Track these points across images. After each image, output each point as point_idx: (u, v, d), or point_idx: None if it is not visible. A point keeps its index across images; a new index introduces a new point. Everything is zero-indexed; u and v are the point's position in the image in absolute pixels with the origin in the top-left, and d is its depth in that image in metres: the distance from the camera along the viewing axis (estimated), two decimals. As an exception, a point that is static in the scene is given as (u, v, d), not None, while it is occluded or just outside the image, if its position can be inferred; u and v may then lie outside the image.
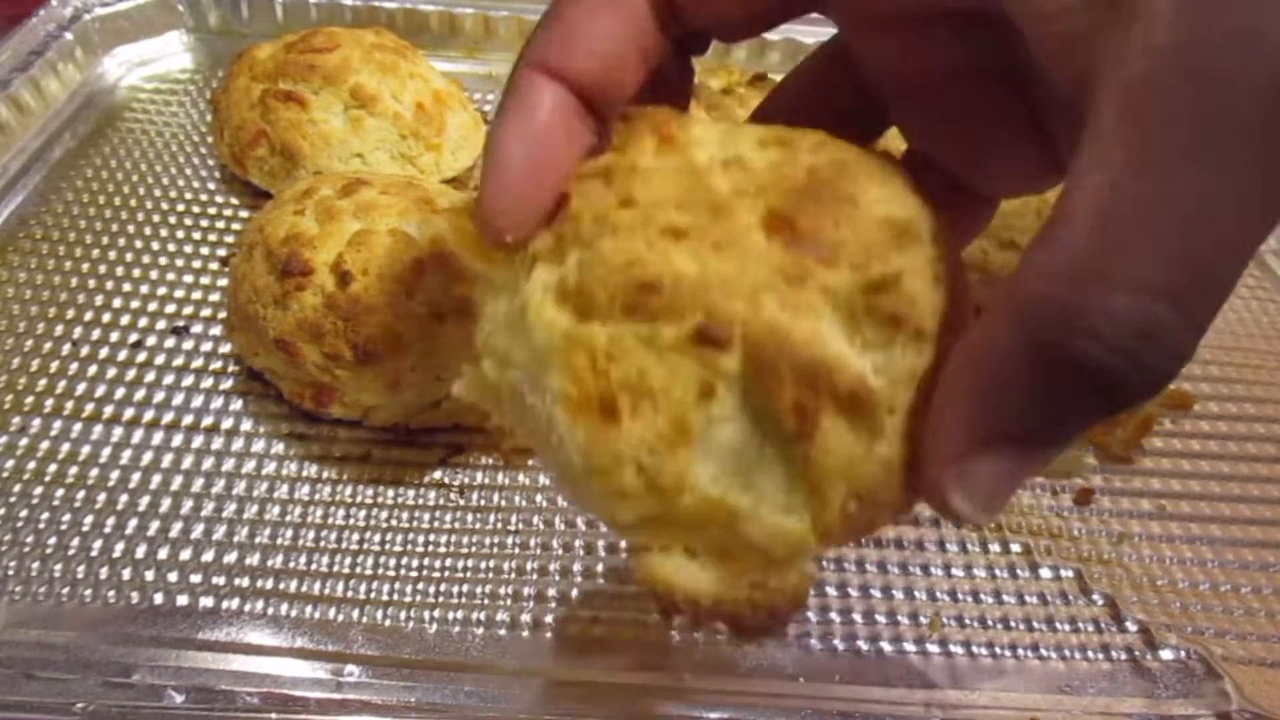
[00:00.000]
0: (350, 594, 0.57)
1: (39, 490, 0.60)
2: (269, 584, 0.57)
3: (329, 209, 0.65)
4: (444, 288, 0.63)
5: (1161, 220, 0.30)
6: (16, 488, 0.60)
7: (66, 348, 0.69)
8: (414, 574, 0.58)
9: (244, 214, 0.83)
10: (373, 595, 0.57)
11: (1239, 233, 0.31)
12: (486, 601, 0.57)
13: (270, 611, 0.56)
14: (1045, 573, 0.62)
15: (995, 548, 0.63)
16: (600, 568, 0.59)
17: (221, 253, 0.78)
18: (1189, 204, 0.30)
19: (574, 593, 0.58)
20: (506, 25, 1.04)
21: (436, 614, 0.56)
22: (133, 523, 0.59)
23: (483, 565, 0.59)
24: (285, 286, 0.62)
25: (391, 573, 0.58)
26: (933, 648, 0.57)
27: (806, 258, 0.40)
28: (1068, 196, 0.32)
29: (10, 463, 0.62)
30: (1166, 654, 0.58)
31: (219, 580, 0.57)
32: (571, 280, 0.42)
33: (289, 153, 0.79)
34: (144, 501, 0.60)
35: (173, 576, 0.57)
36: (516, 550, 0.60)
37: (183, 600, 0.55)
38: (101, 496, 0.60)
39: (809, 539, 0.41)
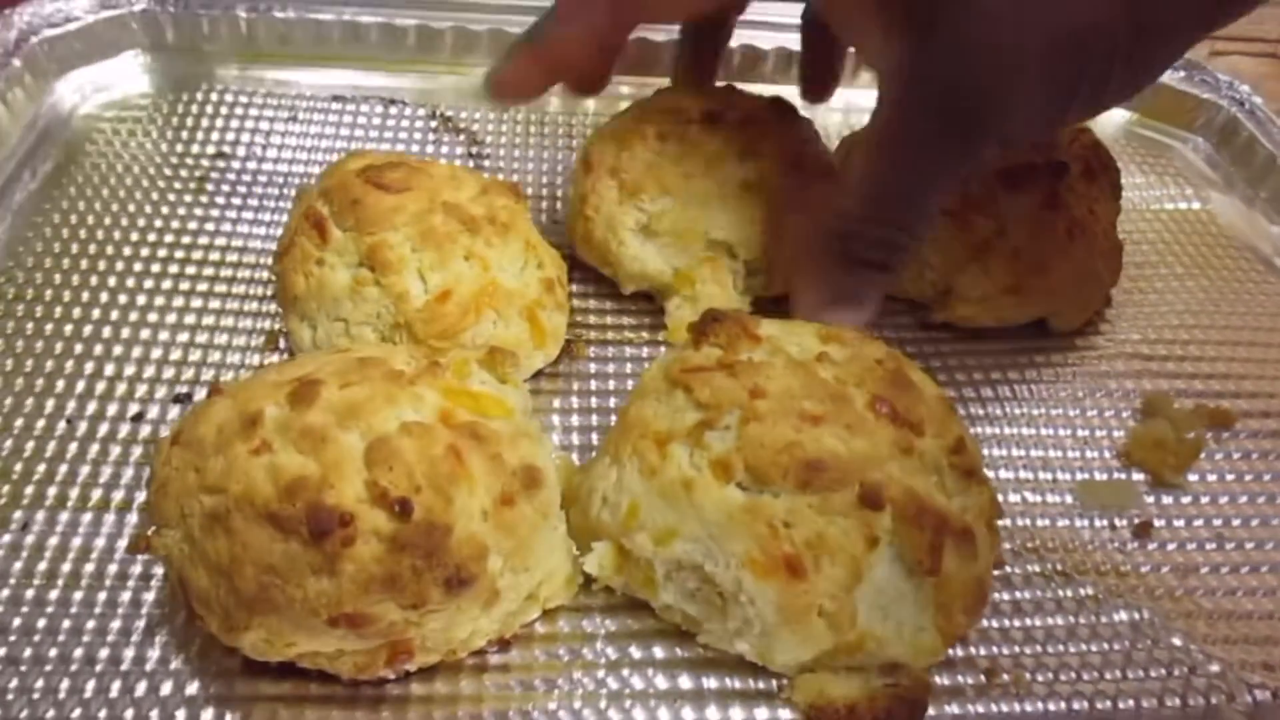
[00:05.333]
0: (413, 692, 0.53)
1: (54, 594, 0.55)
2: (324, 687, 0.52)
3: (307, 432, 0.50)
4: (494, 468, 0.53)
5: (890, 187, 0.62)
6: (29, 594, 0.55)
7: (61, 427, 0.63)
8: (475, 664, 0.55)
9: (232, 256, 0.77)
10: (436, 693, 0.53)
11: (934, 191, 0.62)
12: (559, 691, 0.54)
13: (330, 719, 0.51)
14: (1120, 615, 0.60)
15: (1066, 592, 0.61)
16: (678, 651, 0.57)
17: (215, 305, 0.73)
18: (906, 177, 0.62)
19: (651, 672, 0.55)
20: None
21: (511, 708, 0.53)
22: (164, 628, 0.54)
23: (553, 651, 0.56)
24: (328, 548, 0.47)
25: (452, 662, 0.54)
26: (1023, 705, 0.56)
27: (908, 431, 0.55)
28: (853, 160, 0.71)
29: (18, 565, 0.56)
30: (1256, 695, 0.57)
31: (269, 687, 0.52)
32: (733, 461, 0.53)
33: (284, 287, 0.68)
34: (171, 603, 0.55)
35: (216, 688, 0.52)
36: (578, 631, 0.57)
37: (232, 716, 0.51)
38: (124, 596, 0.55)
39: (940, 648, 0.55)
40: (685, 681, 0.55)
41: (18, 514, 0.58)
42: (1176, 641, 0.59)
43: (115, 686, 0.51)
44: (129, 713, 0.50)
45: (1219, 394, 0.75)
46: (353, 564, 0.47)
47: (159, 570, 0.56)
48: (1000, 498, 0.65)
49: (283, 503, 0.48)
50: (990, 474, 0.67)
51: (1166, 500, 0.68)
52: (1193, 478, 0.69)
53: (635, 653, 0.56)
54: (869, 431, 0.54)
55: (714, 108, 0.76)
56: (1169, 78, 1.04)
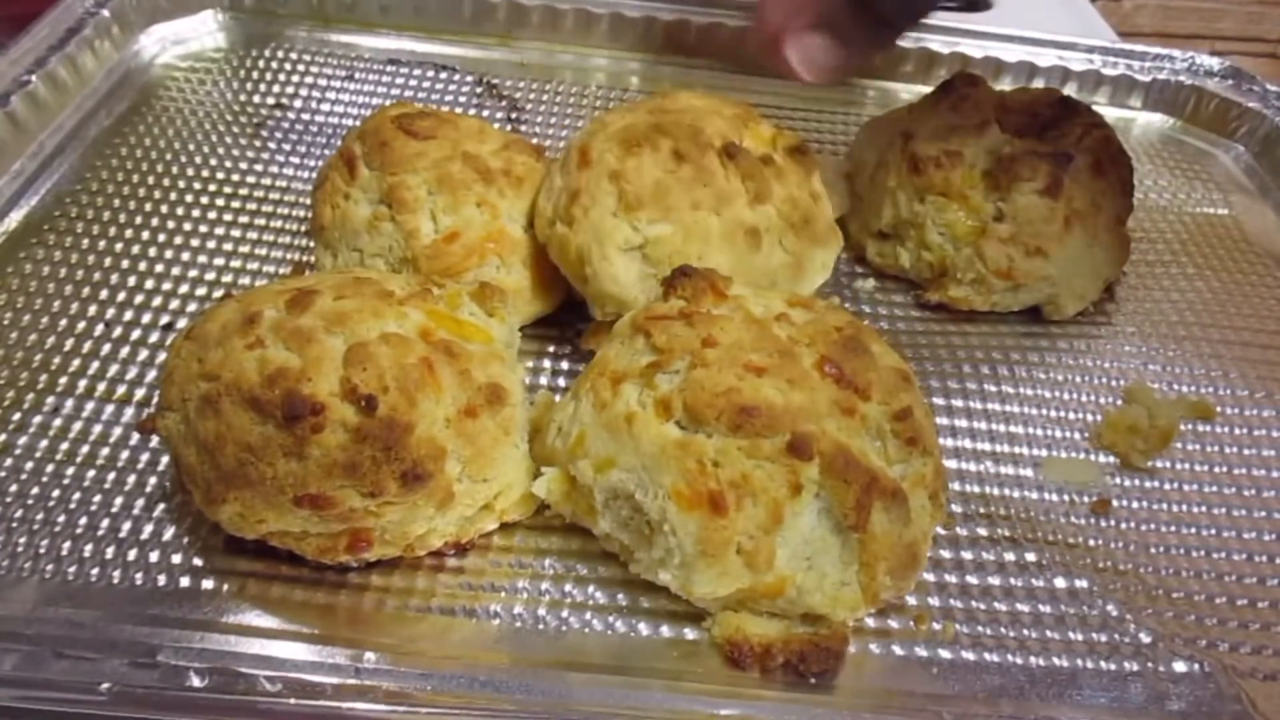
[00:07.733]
0: (372, 581, 0.58)
1: (70, 471, 0.62)
2: (293, 569, 0.58)
3: (296, 332, 0.55)
4: (462, 381, 0.57)
5: None
6: (50, 468, 0.62)
7: (99, 329, 0.70)
8: (432, 564, 0.59)
9: (275, 194, 0.83)
10: (393, 585, 0.58)
11: None
12: (504, 595, 0.58)
13: (293, 597, 0.57)
14: (1059, 581, 0.62)
15: (1010, 555, 0.63)
16: (621, 572, 0.60)
17: (253, 235, 0.79)
18: None
19: (591, 588, 0.59)
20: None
21: (458, 605, 0.57)
22: (160, 506, 0.60)
23: (506, 561, 0.60)
24: (298, 432, 0.53)
25: (411, 559, 0.59)
26: (944, 652, 0.58)
27: (851, 393, 0.57)
28: None
29: (44, 443, 0.63)
30: (1179, 666, 0.58)
31: (243, 564, 0.58)
32: (674, 400, 0.56)
33: (314, 217, 0.74)
34: (171, 485, 0.61)
35: (198, 560, 0.58)
36: (531, 545, 0.61)
37: (208, 584, 0.57)
38: (131, 479, 0.62)
39: (861, 604, 0.56)
40: (622, 599, 0.59)
41: (50, 399, 0.66)
42: (1112, 610, 0.61)
43: (110, 551, 0.58)
44: (117, 573, 0.57)
45: (1204, 388, 0.75)
46: (319, 449, 0.53)
47: (164, 458, 0.63)
48: (960, 464, 0.68)
49: (264, 389, 0.53)
50: (952, 441, 0.70)
51: (1130, 482, 0.69)
52: (1162, 464, 0.70)
53: (580, 569, 0.60)
54: (810, 387, 0.57)
55: (735, 141, 0.72)
56: (1215, 85, 1.04)
